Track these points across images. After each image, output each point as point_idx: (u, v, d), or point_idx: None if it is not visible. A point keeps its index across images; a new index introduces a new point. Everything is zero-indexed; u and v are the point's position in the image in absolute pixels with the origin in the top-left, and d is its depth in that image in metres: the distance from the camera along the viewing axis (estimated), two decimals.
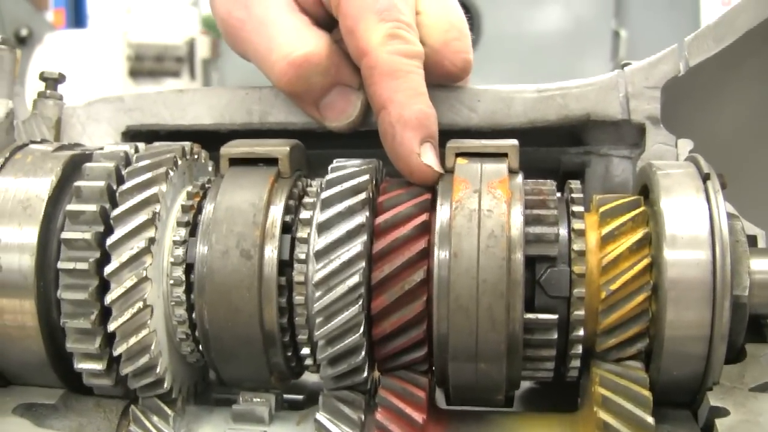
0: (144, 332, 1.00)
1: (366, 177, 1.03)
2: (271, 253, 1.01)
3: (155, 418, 1.06)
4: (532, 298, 0.99)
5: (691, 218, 0.97)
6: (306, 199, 1.07)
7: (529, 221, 1.00)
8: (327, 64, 1.18)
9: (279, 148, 1.09)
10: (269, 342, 1.03)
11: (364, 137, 1.25)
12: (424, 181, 1.07)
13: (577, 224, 1.02)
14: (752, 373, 1.00)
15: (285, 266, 1.02)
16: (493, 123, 1.23)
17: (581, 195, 1.05)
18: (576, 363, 1.02)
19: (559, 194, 1.06)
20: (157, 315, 1.02)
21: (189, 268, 1.04)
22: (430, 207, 1.02)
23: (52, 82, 1.33)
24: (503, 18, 4.97)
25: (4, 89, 1.22)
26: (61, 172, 1.09)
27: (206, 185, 1.11)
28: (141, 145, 1.13)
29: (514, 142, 1.08)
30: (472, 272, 0.95)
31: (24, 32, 6.15)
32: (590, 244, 1.01)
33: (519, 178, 1.04)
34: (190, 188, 1.10)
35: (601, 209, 1.03)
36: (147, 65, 6.43)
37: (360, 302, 0.97)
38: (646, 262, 0.98)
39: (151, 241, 1.01)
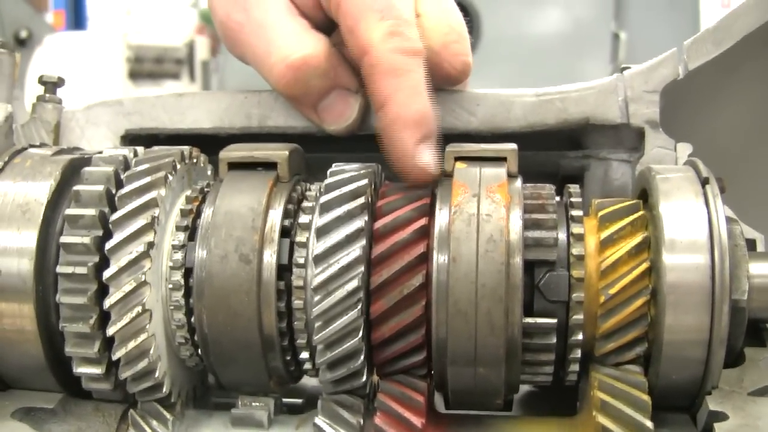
0: (143, 336, 1.00)
1: (365, 181, 1.03)
2: (270, 257, 1.01)
3: (154, 422, 1.06)
4: (531, 302, 0.99)
5: (690, 222, 0.97)
6: (305, 204, 1.07)
7: (528, 225, 1.00)
8: (325, 66, 1.18)
9: (278, 152, 1.09)
10: (268, 346, 1.03)
11: (363, 141, 1.25)
12: (420, 181, 1.06)
13: (576, 228, 1.02)
14: (751, 377, 1.00)
15: (284, 270, 1.02)
16: (493, 127, 1.23)
17: (580, 199, 1.05)
18: (575, 367, 1.02)
19: (558, 198, 1.06)
20: (156, 319, 1.02)
21: (188, 273, 1.04)
22: (429, 211, 1.02)
23: (51, 85, 1.32)
24: (502, 20, 4.97)
25: (3, 93, 1.22)
26: (60, 176, 1.09)
27: (205, 189, 1.11)
28: (140, 149, 1.12)
29: (513, 146, 1.08)
30: (471, 276, 0.95)
31: (23, 34, 6.15)
32: (589, 249, 1.01)
33: (518, 183, 1.04)
34: (189, 192, 1.10)
35: (600, 213, 1.03)
36: (147, 67, 6.43)
37: (359, 306, 0.97)
38: (645, 266, 0.98)
39: (150, 245, 1.01)
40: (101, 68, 6.06)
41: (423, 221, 1.00)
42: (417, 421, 0.98)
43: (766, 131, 1.35)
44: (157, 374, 1.02)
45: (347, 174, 1.05)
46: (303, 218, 1.04)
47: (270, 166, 1.08)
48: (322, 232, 1.00)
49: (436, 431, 1.01)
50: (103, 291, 1.01)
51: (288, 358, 1.06)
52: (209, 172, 1.19)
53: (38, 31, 6.27)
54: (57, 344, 1.04)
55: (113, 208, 1.03)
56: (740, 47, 1.18)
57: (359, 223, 0.99)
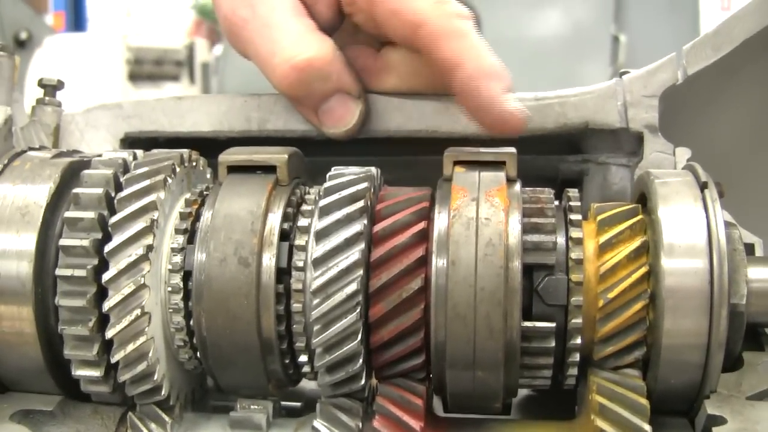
0: (142, 339, 1.00)
1: (364, 185, 1.03)
2: (269, 260, 1.02)
3: (153, 425, 1.06)
4: (529, 306, 0.99)
5: (688, 227, 0.97)
6: (304, 207, 1.07)
7: (527, 229, 1.00)
8: (329, 70, 1.18)
9: (277, 155, 1.09)
10: (267, 349, 1.03)
11: (363, 144, 1.25)
12: (513, 129, 1.08)
13: (574, 232, 1.02)
14: (749, 381, 1.00)
15: (283, 274, 1.02)
16: None
17: (579, 203, 1.05)
18: (573, 371, 1.02)
19: (557, 202, 1.06)
20: (155, 322, 1.02)
21: (187, 276, 1.04)
22: (428, 215, 1.02)
23: (51, 88, 1.33)
24: (502, 22, 4.97)
25: (2, 96, 1.22)
26: (60, 179, 1.09)
27: (204, 192, 1.11)
28: (139, 152, 1.13)
29: (512, 150, 1.08)
30: (469, 280, 0.95)
31: (23, 35, 6.15)
32: (588, 253, 1.01)
33: (517, 187, 1.04)
34: (188, 195, 1.10)
35: (599, 217, 1.03)
36: (146, 69, 6.42)
37: (358, 310, 0.97)
38: (643, 270, 0.98)
39: (149, 248, 1.01)
40: (101, 70, 6.06)
41: (422, 225, 1.00)
42: (415, 424, 0.98)
43: (765, 136, 1.35)
44: (155, 377, 1.03)
45: (346, 177, 1.05)
46: (302, 221, 1.04)
47: (269, 169, 1.08)
48: (322, 235, 1.00)
49: None
50: (102, 294, 1.01)
51: (287, 361, 1.06)
52: (208, 176, 1.19)
53: (38, 32, 6.27)
54: (56, 347, 1.04)
55: (112, 211, 1.03)
56: (740, 52, 1.18)
57: (358, 226, 0.99)
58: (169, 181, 1.06)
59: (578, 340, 1.00)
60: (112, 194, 1.05)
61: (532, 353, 1.00)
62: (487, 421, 1.06)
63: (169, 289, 1.04)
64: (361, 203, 1.01)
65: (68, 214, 1.04)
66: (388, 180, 1.14)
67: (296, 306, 1.02)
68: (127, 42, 6.30)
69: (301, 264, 1.02)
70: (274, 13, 1.20)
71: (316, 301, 0.98)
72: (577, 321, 0.99)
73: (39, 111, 1.31)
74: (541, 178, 1.26)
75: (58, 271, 1.02)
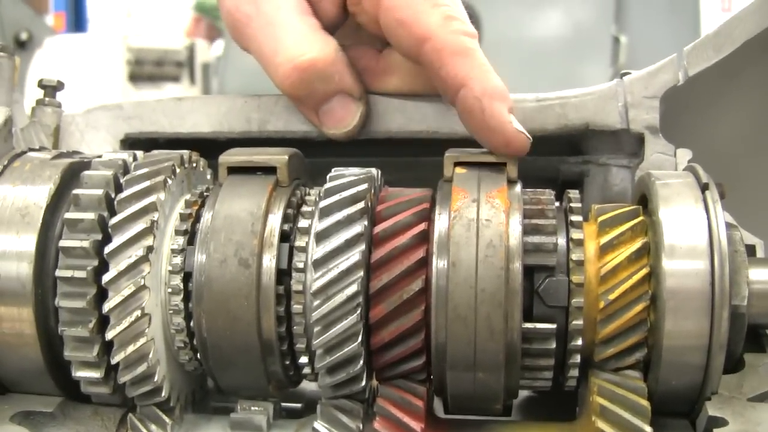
0: (142, 340, 1.00)
1: (365, 186, 1.03)
2: (269, 261, 1.01)
3: (153, 427, 1.06)
4: (530, 307, 0.99)
5: (689, 228, 0.97)
6: (304, 208, 1.07)
7: (527, 231, 1.00)
8: (331, 71, 1.18)
9: (277, 156, 1.09)
10: (267, 350, 1.03)
11: (364, 145, 1.25)
12: (520, 149, 1.07)
13: (575, 234, 1.02)
14: (751, 383, 1.00)
15: (283, 275, 1.02)
16: None
17: (580, 204, 1.05)
18: (574, 372, 1.02)
19: (557, 204, 1.06)
20: (155, 323, 1.02)
21: (187, 277, 1.04)
22: (429, 216, 1.02)
23: (51, 89, 1.32)
24: (503, 23, 4.97)
25: (2, 97, 1.21)
26: (60, 180, 1.08)
27: (204, 193, 1.11)
28: (139, 153, 1.12)
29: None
30: (470, 281, 0.95)
31: (24, 36, 6.16)
32: (589, 254, 1.01)
33: (518, 188, 1.04)
34: (188, 196, 1.10)
35: (600, 219, 1.03)
36: (147, 70, 6.43)
37: (358, 311, 0.97)
38: (644, 271, 0.98)
39: (149, 249, 1.01)
40: (101, 71, 6.06)
41: (422, 226, 1.00)
42: (416, 425, 0.98)
43: (766, 137, 1.35)
44: (156, 378, 1.02)
45: (347, 178, 1.05)
46: (302, 223, 1.04)
47: (269, 170, 1.08)
48: (322, 236, 1.00)
49: None
50: (102, 295, 1.01)
51: (287, 362, 1.06)
52: (209, 177, 1.19)
53: (38, 33, 6.28)
54: (56, 348, 1.04)
55: (112, 212, 1.03)
56: (740, 53, 1.18)
57: (359, 227, 0.99)
58: (169, 182, 1.06)
59: (579, 342, 1.00)
60: (112, 195, 1.05)
61: (533, 354, 0.99)
62: (488, 422, 1.05)
63: (170, 290, 1.04)
64: (361, 204, 1.01)
65: (68, 215, 1.04)
66: (388, 181, 1.14)
67: (297, 307, 1.02)
68: (128, 43, 6.31)
69: (301, 265, 1.02)
70: (278, 11, 1.19)
71: (316, 303, 0.98)
72: (578, 322, 0.99)
73: (39, 112, 1.31)
74: (542, 180, 1.25)
75: (58, 273, 1.02)
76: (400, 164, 1.29)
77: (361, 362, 0.99)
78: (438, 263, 0.97)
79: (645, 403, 0.95)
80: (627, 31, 5.10)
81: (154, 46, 6.50)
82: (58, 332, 1.03)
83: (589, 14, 5.19)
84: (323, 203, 1.02)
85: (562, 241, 1.01)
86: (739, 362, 1.03)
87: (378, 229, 1.01)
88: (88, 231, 1.03)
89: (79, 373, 1.04)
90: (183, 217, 1.07)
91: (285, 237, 1.04)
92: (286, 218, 1.04)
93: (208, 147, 1.21)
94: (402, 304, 0.98)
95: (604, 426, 0.94)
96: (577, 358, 1.01)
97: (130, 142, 1.33)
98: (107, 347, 1.02)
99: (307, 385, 1.17)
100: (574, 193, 1.07)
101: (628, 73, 1.23)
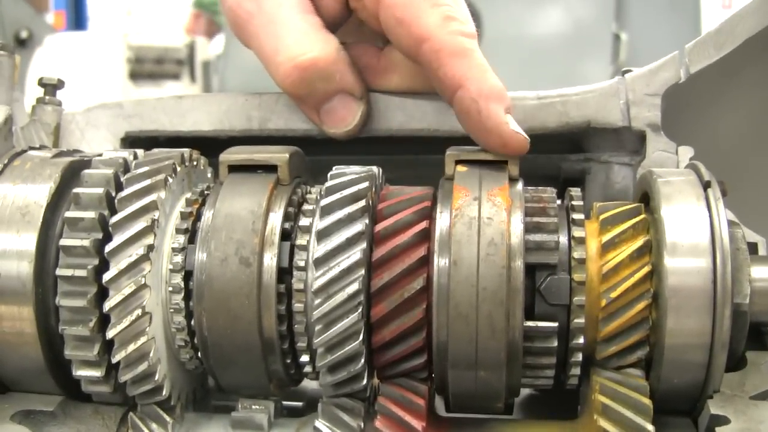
0: (143, 339, 1.00)
1: (366, 184, 1.03)
2: (270, 260, 1.01)
3: (154, 425, 1.06)
4: (532, 305, 0.99)
5: (691, 226, 0.97)
6: (305, 206, 1.06)
7: (529, 229, 0.99)
8: (332, 70, 1.17)
9: (278, 155, 1.08)
10: (268, 349, 1.03)
11: (365, 144, 1.25)
12: (517, 149, 1.06)
13: (577, 232, 1.01)
14: (753, 381, 1.00)
15: (284, 273, 1.02)
16: None
17: (581, 202, 1.05)
18: (576, 371, 1.02)
19: (559, 202, 1.06)
20: (155, 322, 1.02)
21: (188, 276, 1.04)
22: (430, 214, 1.01)
23: (51, 88, 1.32)
24: (504, 21, 4.97)
25: (2, 95, 1.21)
26: (60, 178, 1.08)
27: (205, 192, 1.10)
28: (140, 152, 1.12)
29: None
30: (471, 280, 0.95)
31: (24, 34, 6.16)
32: (590, 252, 1.01)
33: (519, 186, 1.04)
34: (189, 195, 1.10)
35: (602, 217, 1.03)
36: (147, 68, 6.43)
37: (359, 310, 0.97)
38: (646, 269, 0.98)
39: (150, 248, 1.00)
40: (102, 69, 6.06)
41: (424, 224, 1.00)
42: (417, 424, 0.97)
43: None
44: (156, 377, 1.02)
45: (348, 177, 1.05)
46: (303, 221, 1.04)
47: (270, 168, 1.08)
48: (323, 235, 0.99)
49: None
50: (102, 294, 1.01)
51: (288, 361, 1.05)
52: (209, 175, 1.19)
53: (39, 31, 6.28)
54: (56, 347, 1.04)
55: (113, 211, 1.03)
56: (742, 50, 1.18)
57: (360, 226, 0.99)
58: (170, 180, 1.06)
59: (581, 340, 0.99)
60: (113, 194, 1.05)
61: (535, 353, 0.99)
62: (490, 420, 1.05)
63: (170, 289, 1.04)
64: (362, 202, 1.01)
65: (69, 213, 1.03)
66: (389, 179, 1.13)
67: (298, 306, 1.01)
68: (128, 41, 6.31)
69: (302, 264, 1.02)
70: (280, 9, 1.19)
71: (317, 301, 0.98)
72: (580, 321, 0.99)
73: (39, 110, 1.31)
74: (543, 177, 1.25)
75: (59, 271, 1.02)
76: (400, 162, 1.29)
77: (363, 361, 0.99)
78: (439, 261, 0.97)
79: (647, 401, 0.95)
80: (627, 29, 5.10)
81: (154, 44, 6.50)
82: (58, 331, 1.03)
83: (589, 12, 5.18)
84: (324, 201, 1.02)
85: (563, 239, 1.01)
86: (741, 360, 1.02)
87: (379, 227, 1.01)
88: (89, 230, 1.02)
89: (80, 372, 1.04)
90: (184, 216, 1.07)
91: (286, 235, 1.03)
92: (287, 216, 1.04)
93: (209, 145, 1.21)
94: (403, 302, 0.98)
95: (606, 424, 0.93)
96: (579, 357, 1.01)
97: (130, 141, 1.33)
98: (108, 346, 1.02)
99: (308, 384, 1.17)
100: (575, 191, 1.07)
101: (630, 71, 1.23)
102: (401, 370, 1.03)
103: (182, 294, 1.04)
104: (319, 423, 1.01)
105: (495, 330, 0.95)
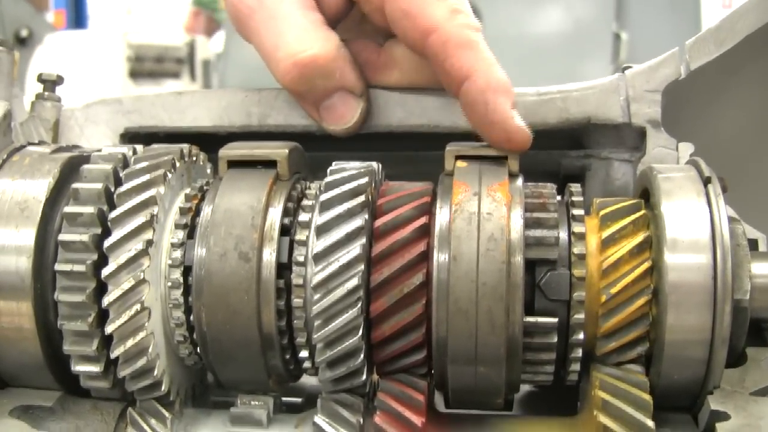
0: (141, 334, 1.00)
1: (365, 179, 1.03)
2: (269, 255, 1.01)
3: (153, 421, 1.06)
4: (531, 301, 0.99)
5: (692, 222, 0.97)
6: (305, 202, 1.06)
7: (529, 224, 0.99)
8: (332, 67, 1.17)
9: (278, 150, 1.08)
10: (267, 344, 1.02)
11: (365, 140, 1.25)
12: (521, 145, 1.07)
13: (577, 227, 1.01)
14: (753, 377, 1.00)
15: (283, 269, 1.02)
16: None
17: (581, 198, 1.05)
18: (576, 366, 1.02)
19: (559, 197, 1.06)
20: (154, 317, 1.01)
21: (187, 271, 1.04)
22: (430, 210, 1.01)
23: (50, 83, 1.32)
24: (504, 20, 4.96)
25: (2, 91, 1.21)
26: (59, 174, 1.08)
27: (204, 187, 1.10)
28: (139, 147, 1.12)
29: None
30: (471, 275, 0.95)
31: (24, 33, 6.16)
32: (590, 248, 1.01)
33: (519, 181, 1.03)
34: (188, 190, 1.10)
35: (602, 212, 1.03)
36: (147, 66, 6.42)
37: (359, 305, 0.97)
38: (646, 265, 0.98)
39: (149, 243, 1.00)
40: (102, 67, 6.06)
41: (423, 220, 1.00)
42: (417, 420, 0.97)
43: None
44: (155, 372, 1.02)
45: (347, 172, 1.05)
46: (303, 216, 1.04)
47: (270, 164, 1.08)
48: (322, 230, 0.99)
49: (436, 430, 1.01)
50: (101, 289, 1.00)
51: (287, 356, 1.05)
52: (209, 171, 1.19)
53: (39, 30, 6.28)
54: (55, 342, 1.04)
55: (112, 206, 1.03)
56: (742, 47, 1.18)
57: (359, 221, 0.99)
58: (169, 176, 1.05)
59: (581, 336, 0.99)
60: (112, 189, 1.04)
61: (535, 349, 0.99)
62: (489, 417, 1.05)
63: (169, 284, 1.04)
64: (362, 198, 1.00)
65: (67, 209, 1.03)
66: (389, 175, 1.13)
67: (297, 301, 1.01)
68: (128, 39, 6.31)
69: (301, 259, 1.01)
70: (281, 4, 1.19)
71: (316, 296, 0.97)
72: (580, 316, 0.98)
73: (38, 106, 1.30)
74: (543, 174, 1.25)
75: (58, 267, 1.01)
76: (400, 158, 1.28)
77: (362, 356, 0.99)
78: (439, 257, 0.97)
79: (647, 397, 0.95)
80: (628, 28, 5.10)
81: (154, 43, 6.50)
82: (57, 326, 1.02)
83: (589, 11, 5.19)
84: (324, 197, 1.01)
85: (563, 234, 1.01)
86: (741, 356, 1.02)
87: (379, 222, 1.01)
88: (88, 225, 1.02)
89: (79, 368, 1.04)
90: (183, 211, 1.07)
91: (285, 231, 1.03)
92: (286, 212, 1.04)
93: (209, 141, 1.21)
94: (403, 297, 0.98)
95: (606, 420, 0.93)
96: (579, 353, 1.00)
97: (129, 137, 1.32)
98: (107, 341, 1.01)
99: (308, 380, 1.17)
100: (575, 187, 1.07)
101: (630, 67, 1.23)
102: (401, 365, 1.02)
103: (181, 289, 1.04)
104: (319, 418, 1.01)
105: (495, 325, 0.95)
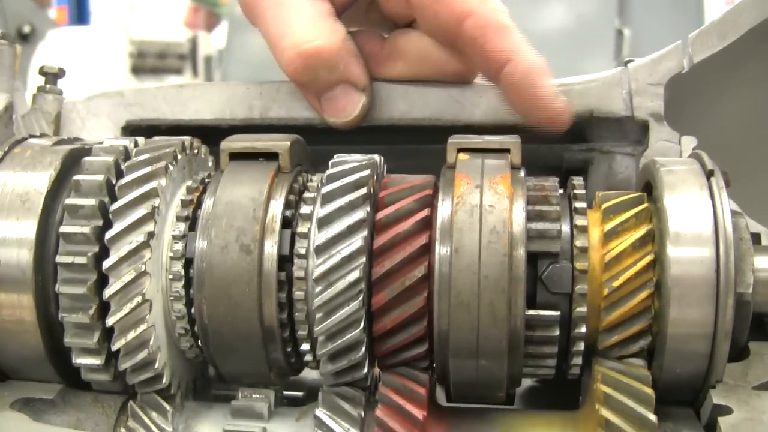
0: (142, 327, 1.00)
1: (367, 172, 1.02)
2: (270, 248, 1.01)
3: (154, 414, 1.06)
4: (533, 294, 0.98)
5: (694, 215, 0.97)
6: (306, 194, 1.06)
7: (531, 217, 0.99)
8: (336, 60, 1.17)
9: (279, 143, 1.08)
10: (269, 337, 1.02)
11: (366, 133, 1.24)
12: (562, 124, 1.11)
13: (579, 221, 1.01)
14: (756, 371, 1.00)
15: (285, 261, 1.02)
16: (496, 119, 1.22)
17: (584, 191, 1.04)
18: (578, 360, 1.01)
19: (561, 191, 1.05)
20: (155, 310, 1.01)
21: (188, 263, 1.04)
22: (432, 202, 1.01)
23: (52, 76, 1.32)
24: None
25: (3, 84, 1.21)
26: (60, 166, 1.08)
27: (206, 180, 1.10)
28: (140, 140, 1.12)
29: (517, 137, 1.07)
30: (473, 268, 0.95)
31: (26, 29, 6.16)
32: (593, 241, 1.00)
33: (521, 174, 1.03)
34: (189, 183, 1.09)
35: (604, 206, 1.02)
36: (149, 62, 6.41)
37: (360, 298, 0.96)
38: (649, 259, 0.97)
39: (150, 235, 1.00)
40: (104, 63, 6.05)
41: (425, 212, 0.99)
42: (418, 413, 0.97)
43: None
44: (156, 365, 1.02)
45: (349, 165, 1.04)
46: (304, 209, 1.04)
47: (271, 156, 1.07)
48: (324, 222, 0.99)
49: (437, 424, 1.01)
50: (102, 281, 1.00)
51: (289, 349, 1.05)
52: (210, 163, 1.19)
53: (41, 26, 6.28)
54: (56, 335, 1.04)
55: (113, 198, 1.03)
56: (745, 40, 1.17)
57: (361, 213, 0.98)
58: (171, 168, 1.05)
59: (583, 329, 0.99)
60: (113, 181, 1.04)
61: (536, 342, 0.99)
62: (491, 410, 1.05)
63: (171, 276, 1.04)
64: (363, 190, 1.00)
65: (69, 201, 1.03)
66: (391, 169, 1.13)
67: (298, 294, 1.01)
68: (130, 35, 6.30)
69: (303, 251, 1.01)
70: None
71: (318, 289, 0.97)
72: (582, 310, 0.98)
73: (40, 99, 1.30)
74: (546, 168, 1.24)
75: (59, 259, 1.01)
76: (402, 151, 1.28)
77: (363, 349, 0.99)
78: (441, 249, 0.97)
79: (649, 391, 0.94)
80: (630, 24, 5.09)
81: (156, 39, 6.48)
82: (58, 319, 1.02)
83: (592, 7, 5.17)
84: (325, 189, 1.01)
85: (566, 227, 1.01)
86: (743, 350, 1.02)
87: (380, 215, 1.00)
88: (89, 217, 1.02)
89: (80, 360, 1.04)
90: (184, 203, 1.06)
91: (287, 223, 1.03)
92: (287, 204, 1.04)
93: (210, 134, 1.20)
94: (404, 290, 0.97)
95: (608, 414, 0.93)
96: (581, 346, 1.00)
97: (131, 129, 1.32)
98: (108, 334, 1.01)
99: (309, 373, 1.17)
100: (578, 180, 1.06)
101: (633, 60, 1.22)
102: (402, 359, 1.02)
103: (182, 282, 1.04)
104: (320, 412, 1.00)
105: (496, 318, 0.94)
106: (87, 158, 1.07)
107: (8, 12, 6.10)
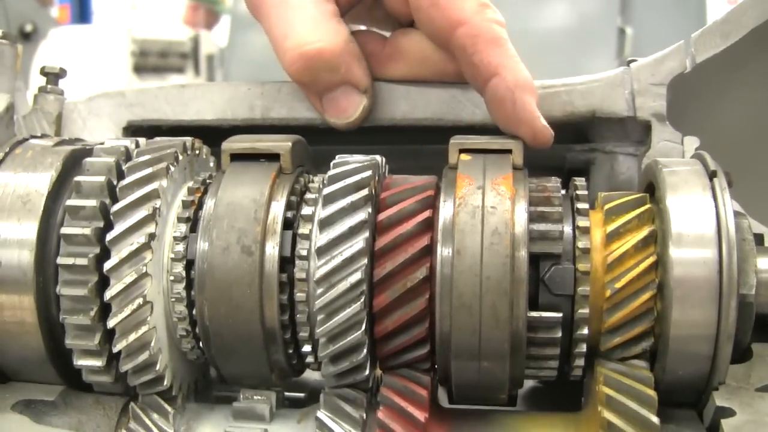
0: (144, 329, 0.99)
1: (369, 173, 1.02)
2: (272, 249, 1.00)
3: (155, 416, 1.06)
4: (536, 295, 0.98)
5: (697, 216, 0.96)
6: (308, 195, 1.06)
7: (533, 218, 0.99)
8: (338, 62, 1.17)
9: (281, 143, 1.08)
10: (270, 339, 1.02)
11: (368, 133, 1.24)
12: (544, 143, 1.09)
13: (581, 221, 1.00)
14: (758, 373, 0.99)
15: (286, 263, 1.01)
16: None
17: (586, 192, 1.04)
18: (580, 362, 1.01)
19: (563, 192, 1.05)
20: (157, 311, 1.01)
21: (189, 264, 1.03)
22: (434, 203, 1.01)
23: (53, 76, 1.32)
24: (509, 15, 4.95)
25: (5, 84, 1.21)
26: (61, 167, 1.08)
27: (207, 181, 1.10)
28: (142, 140, 1.12)
29: (519, 138, 1.07)
30: (475, 269, 0.94)
31: (28, 28, 6.17)
32: (595, 242, 1.00)
33: (523, 175, 1.03)
34: (191, 184, 1.09)
35: (606, 207, 1.02)
36: (151, 61, 6.43)
37: (362, 299, 0.96)
38: (651, 260, 0.97)
39: (151, 236, 1.00)
40: (106, 62, 6.06)
41: (427, 213, 0.99)
42: (420, 415, 0.97)
43: None
44: (158, 367, 1.02)
45: (351, 165, 1.04)
46: (306, 210, 1.03)
47: (273, 157, 1.07)
48: (326, 223, 0.99)
49: (439, 426, 1.01)
50: (103, 282, 1.00)
51: (290, 351, 1.05)
52: (211, 164, 1.18)
53: (43, 25, 6.29)
54: (57, 336, 1.04)
55: (114, 199, 1.03)
56: (748, 40, 1.17)
57: (363, 214, 0.98)
58: (172, 169, 1.05)
59: (585, 331, 0.99)
60: (114, 182, 1.04)
61: (539, 344, 0.99)
62: (493, 412, 1.05)
63: (172, 278, 1.03)
64: (365, 191, 1.00)
65: (70, 202, 1.03)
66: (392, 169, 1.13)
67: (300, 295, 1.01)
68: (132, 34, 6.31)
69: (304, 253, 1.01)
70: None
71: (319, 291, 0.97)
72: (584, 311, 0.98)
73: (41, 99, 1.30)
74: (548, 168, 1.24)
75: (60, 260, 1.01)
76: (404, 152, 1.28)
77: (365, 351, 0.98)
78: (443, 251, 0.96)
79: (651, 393, 0.94)
80: (633, 23, 5.09)
81: (158, 38, 6.50)
82: (59, 320, 1.02)
83: (594, 6, 5.17)
84: (327, 190, 1.01)
85: (568, 228, 1.00)
86: (746, 352, 1.02)
87: (382, 216, 1.00)
88: (90, 218, 1.02)
89: (81, 362, 1.03)
90: (185, 204, 1.06)
91: (288, 224, 1.03)
92: (289, 205, 1.03)
93: (212, 135, 1.20)
94: (406, 292, 0.97)
95: (610, 416, 0.93)
96: (583, 348, 1.00)
97: (132, 130, 1.32)
98: (109, 335, 1.01)
99: (311, 375, 1.16)
100: (580, 181, 1.06)
101: (635, 60, 1.22)
102: (404, 360, 1.02)
103: (184, 283, 1.03)
104: (321, 413, 1.00)
105: (498, 320, 0.94)
106: (88, 159, 1.07)
107: (10, 11, 6.11)
